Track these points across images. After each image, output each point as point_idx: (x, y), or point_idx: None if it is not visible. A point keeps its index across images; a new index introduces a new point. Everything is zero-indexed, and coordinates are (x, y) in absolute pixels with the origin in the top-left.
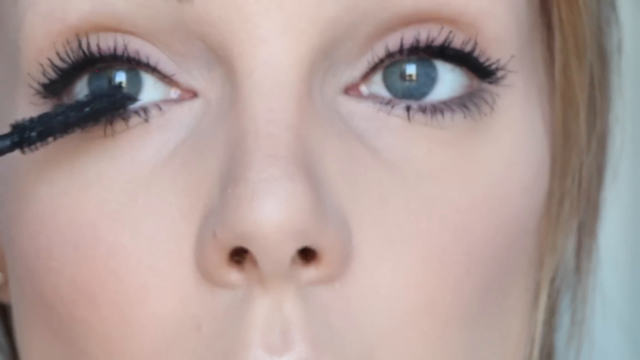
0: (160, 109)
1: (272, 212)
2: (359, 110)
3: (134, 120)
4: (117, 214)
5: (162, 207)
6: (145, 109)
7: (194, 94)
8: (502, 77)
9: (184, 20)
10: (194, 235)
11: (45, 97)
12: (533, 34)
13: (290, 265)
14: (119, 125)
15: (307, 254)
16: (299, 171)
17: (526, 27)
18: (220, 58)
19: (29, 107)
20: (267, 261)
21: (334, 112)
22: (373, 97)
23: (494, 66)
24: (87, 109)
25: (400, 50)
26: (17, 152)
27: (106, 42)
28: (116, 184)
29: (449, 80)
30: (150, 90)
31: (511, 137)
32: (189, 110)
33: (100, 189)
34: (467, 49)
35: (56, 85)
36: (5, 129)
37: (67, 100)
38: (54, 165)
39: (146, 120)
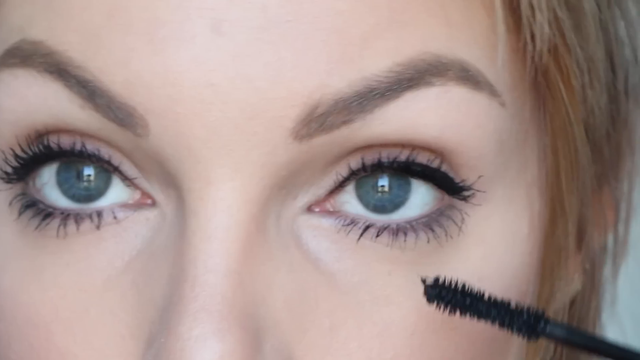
0: (115, 217)
1: None
2: (323, 228)
3: (86, 224)
4: (70, 322)
5: (113, 322)
6: (99, 214)
7: (153, 202)
8: (472, 196)
9: (142, 146)
10: (140, 356)
11: (8, 182)
12: (523, 140)
13: None
14: (70, 227)
15: None
16: (231, 327)
17: (509, 138)
18: (174, 182)
19: None
20: None
21: (291, 239)
22: (338, 214)
23: (461, 184)
24: (494, 313)
25: (364, 168)
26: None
27: (66, 141)
28: (70, 292)
29: (422, 193)
30: (119, 187)
31: (482, 251)
32: (145, 221)
33: (55, 294)
34: (434, 164)
35: (18, 172)
36: None
37: (32, 185)
38: (15, 255)
39: (97, 228)
